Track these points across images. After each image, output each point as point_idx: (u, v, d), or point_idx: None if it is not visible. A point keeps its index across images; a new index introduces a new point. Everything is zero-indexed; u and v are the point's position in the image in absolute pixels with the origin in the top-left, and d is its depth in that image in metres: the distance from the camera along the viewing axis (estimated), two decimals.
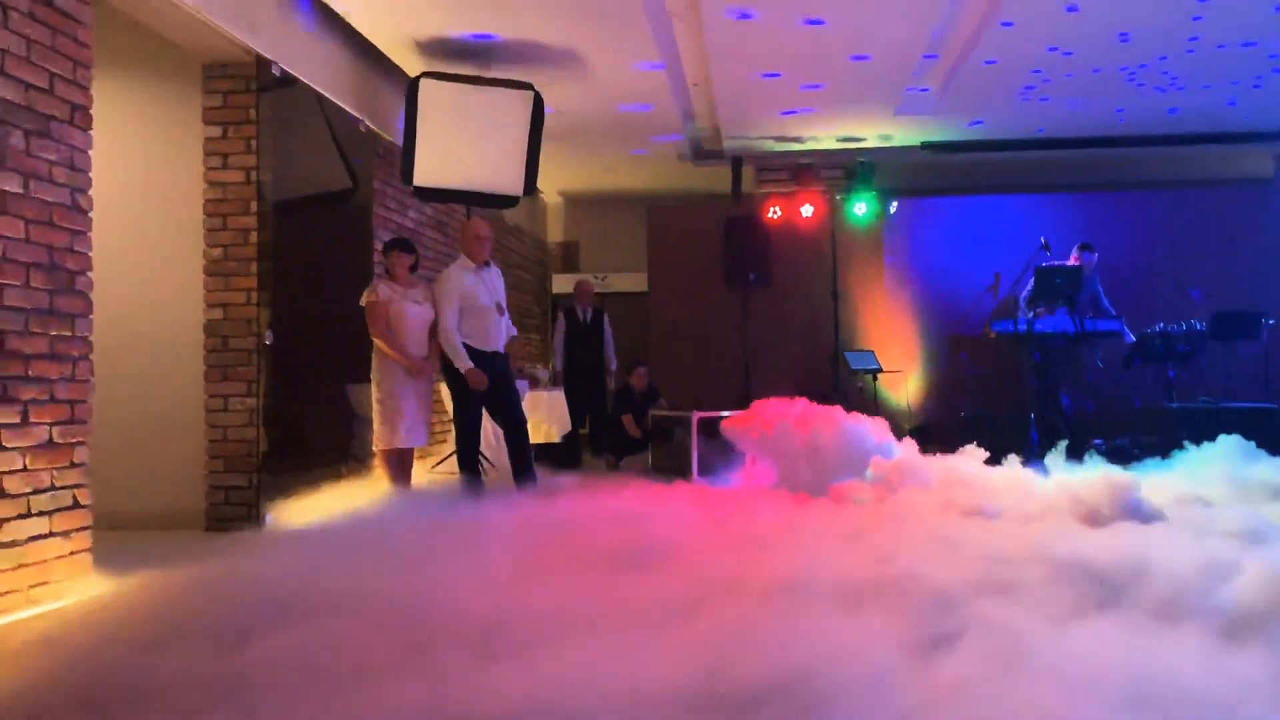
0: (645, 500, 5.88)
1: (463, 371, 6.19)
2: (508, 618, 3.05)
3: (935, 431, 9.86)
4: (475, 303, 6.31)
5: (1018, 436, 8.28)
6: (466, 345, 6.26)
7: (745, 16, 6.79)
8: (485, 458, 7.27)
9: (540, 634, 2.89)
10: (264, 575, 3.68)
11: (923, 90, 8.75)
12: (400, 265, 6.28)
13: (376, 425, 6.20)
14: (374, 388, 6.21)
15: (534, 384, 9.11)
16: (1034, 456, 7.57)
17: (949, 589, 3.36)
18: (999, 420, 8.74)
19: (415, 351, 6.23)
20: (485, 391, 6.33)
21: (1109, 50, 7.66)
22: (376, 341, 6.16)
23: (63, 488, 4.22)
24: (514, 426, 6.51)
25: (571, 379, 9.42)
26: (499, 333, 6.43)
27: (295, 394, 6.28)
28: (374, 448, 6.33)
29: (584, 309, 9.80)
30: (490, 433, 7.43)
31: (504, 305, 6.52)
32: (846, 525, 4.91)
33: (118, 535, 4.99)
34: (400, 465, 6.31)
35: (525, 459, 6.50)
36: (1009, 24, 7.10)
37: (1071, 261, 9.06)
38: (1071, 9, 6.84)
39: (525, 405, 8.71)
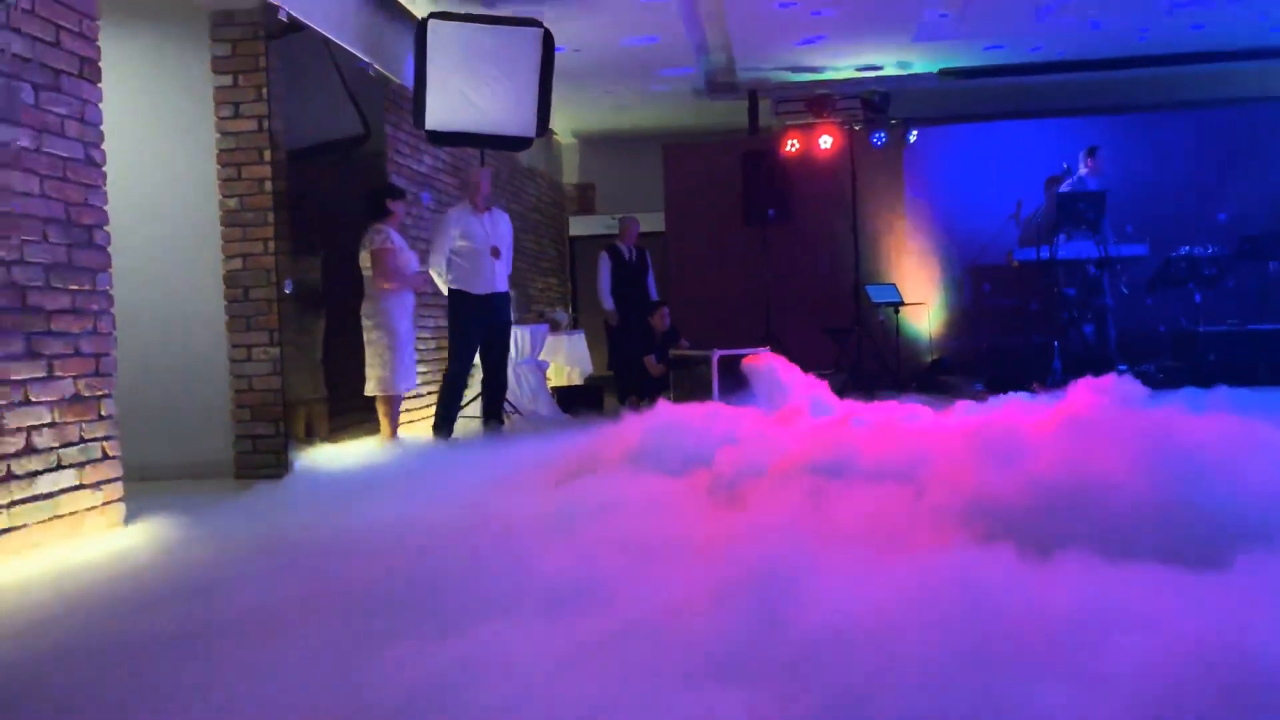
0: None
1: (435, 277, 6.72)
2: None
3: (956, 364, 9.82)
4: (470, 244, 6.67)
5: (1041, 365, 8.24)
6: (459, 291, 6.66)
7: None
8: (510, 404, 7.33)
9: None
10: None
11: (941, 15, 8.56)
12: (400, 213, 6.38)
13: (380, 372, 6.23)
14: (379, 333, 6.23)
15: (555, 328, 9.08)
16: (1057, 385, 7.52)
17: None
18: (1021, 350, 8.68)
19: (411, 296, 6.46)
20: (481, 330, 6.69)
21: None
22: (386, 286, 6.16)
23: (91, 440, 4.27)
24: (493, 369, 6.87)
25: (625, 317, 9.08)
26: (492, 275, 6.73)
27: (317, 342, 6.31)
28: (374, 392, 6.30)
29: (629, 247, 9.52)
30: (513, 380, 7.60)
31: (502, 250, 6.81)
32: None
33: (149, 486, 5.06)
34: (396, 411, 6.39)
35: (498, 403, 6.91)
36: None
37: (1083, 170, 8.92)
38: None
39: (546, 350, 8.72)
